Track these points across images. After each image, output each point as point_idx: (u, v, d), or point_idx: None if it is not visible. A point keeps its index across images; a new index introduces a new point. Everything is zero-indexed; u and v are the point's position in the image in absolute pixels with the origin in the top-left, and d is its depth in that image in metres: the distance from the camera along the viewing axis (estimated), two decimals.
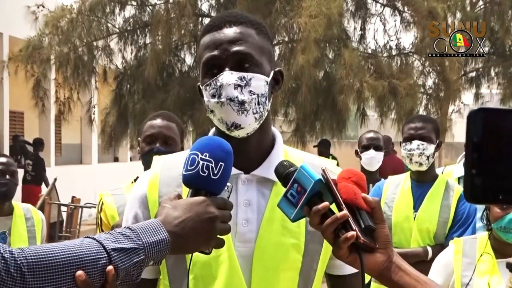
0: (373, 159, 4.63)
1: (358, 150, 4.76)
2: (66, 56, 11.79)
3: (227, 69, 1.58)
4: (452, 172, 4.41)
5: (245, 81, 1.57)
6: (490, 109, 0.87)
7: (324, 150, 11.34)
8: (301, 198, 1.41)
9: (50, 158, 14.99)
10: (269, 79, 1.62)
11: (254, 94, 1.58)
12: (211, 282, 1.59)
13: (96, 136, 17.07)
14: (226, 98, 1.56)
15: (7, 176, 3.90)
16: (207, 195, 1.41)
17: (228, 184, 1.45)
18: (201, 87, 1.64)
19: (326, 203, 1.40)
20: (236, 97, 1.56)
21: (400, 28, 12.60)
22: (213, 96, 1.58)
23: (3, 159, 4.02)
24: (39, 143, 13.41)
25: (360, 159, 4.67)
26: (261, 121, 1.61)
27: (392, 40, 12.76)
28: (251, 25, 1.64)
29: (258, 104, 1.59)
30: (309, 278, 1.64)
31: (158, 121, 3.00)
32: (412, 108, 11.58)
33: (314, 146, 11.65)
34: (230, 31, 1.61)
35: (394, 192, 3.79)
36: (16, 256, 1.18)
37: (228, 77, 1.57)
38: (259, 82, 1.59)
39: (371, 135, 4.87)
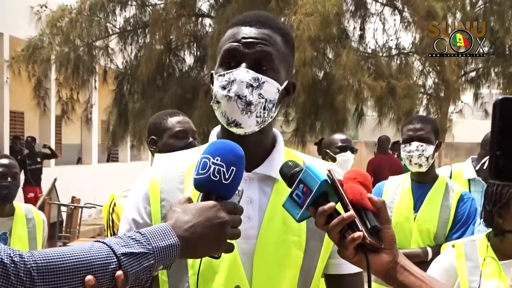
0: (349, 161, 4.58)
1: (328, 151, 4.65)
2: (66, 56, 11.79)
3: (244, 65, 1.58)
4: (462, 173, 4.36)
5: (258, 83, 1.57)
6: None
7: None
8: (307, 199, 1.41)
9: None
10: (281, 88, 1.62)
11: (262, 98, 1.58)
12: (212, 278, 1.59)
13: (96, 136, 17.08)
14: (235, 94, 1.56)
15: (9, 179, 3.87)
16: (218, 199, 1.40)
17: (239, 188, 1.45)
18: (213, 75, 1.64)
19: (332, 204, 1.41)
20: (245, 96, 1.56)
21: (400, 27, 12.61)
22: (223, 88, 1.58)
23: (5, 161, 3.97)
24: (28, 142, 13.45)
25: (329, 160, 4.53)
26: (263, 126, 1.62)
27: (391, 40, 12.78)
28: (279, 31, 1.65)
29: (264, 109, 1.59)
30: (309, 275, 1.65)
31: (182, 117, 3.13)
32: (411, 108, 11.58)
33: (315, 144, 11.55)
34: (258, 30, 1.61)
35: (395, 192, 3.78)
36: (26, 259, 1.18)
37: (243, 74, 1.57)
38: (271, 88, 1.59)
39: (344, 137, 4.80)
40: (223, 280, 1.59)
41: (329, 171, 1.44)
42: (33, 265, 1.17)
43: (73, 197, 11.94)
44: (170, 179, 1.65)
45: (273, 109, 1.61)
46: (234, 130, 1.60)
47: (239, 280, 1.59)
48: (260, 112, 1.58)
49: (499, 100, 0.99)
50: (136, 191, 1.69)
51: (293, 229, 1.61)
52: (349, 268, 1.58)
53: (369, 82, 10.96)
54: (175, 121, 3.09)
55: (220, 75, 1.59)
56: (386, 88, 11.16)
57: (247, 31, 1.61)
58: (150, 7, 12.36)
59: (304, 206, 1.42)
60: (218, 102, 1.59)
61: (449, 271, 2.74)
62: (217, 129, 1.72)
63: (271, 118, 1.62)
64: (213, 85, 1.65)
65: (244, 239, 1.58)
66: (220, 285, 1.59)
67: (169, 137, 3.06)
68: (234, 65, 1.59)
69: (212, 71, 1.67)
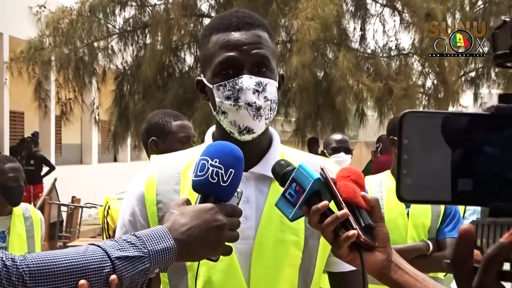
0: (343, 162, 4.61)
1: (325, 151, 4.71)
2: (66, 57, 11.78)
3: (245, 72, 1.57)
4: None
5: (262, 87, 1.57)
6: (419, 112, 0.90)
7: (314, 147, 11.25)
8: (300, 198, 1.41)
9: (50, 158, 14.96)
10: (277, 84, 1.63)
11: (268, 100, 1.59)
12: (210, 279, 1.59)
13: (96, 136, 17.07)
14: (244, 103, 1.56)
15: (21, 183, 3.93)
16: (216, 202, 1.39)
17: (238, 190, 1.43)
18: (207, 84, 1.62)
19: (326, 202, 1.40)
20: (255, 102, 1.56)
21: (400, 28, 12.60)
22: (228, 98, 1.57)
23: (15, 165, 3.99)
24: (28, 143, 13.43)
25: None
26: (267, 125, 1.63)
27: (391, 41, 12.76)
28: (265, 28, 1.64)
29: (270, 110, 1.60)
30: (309, 274, 1.65)
31: (186, 122, 3.14)
32: (411, 108, 11.56)
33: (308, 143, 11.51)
34: (249, 34, 1.59)
35: (380, 190, 3.75)
36: (18, 263, 1.17)
37: (248, 81, 1.56)
38: (272, 88, 1.60)
39: (340, 137, 4.86)
40: (220, 281, 1.59)
41: (322, 169, 1.43)
42: (25, 269, 1.16)
43: (73, 197, 11.94)
44: (166, 180, 1.64)
45: (276, 107, 1.63)
46: (246, 137, 1.59)
47: (236, 280, 1.59)
48: (268, 113, 1.59)
49: (403, 114, 0.89)
50: (132, 193, 1.68)
51: (291, 228, 1.60)
52: (349, 265, 1.58)
53: (368, 83, 10.97)
54: (180, 125, 3.08)
55: (221, 85, 1.58)
56: (384, 89, 11.16)
57: (239, 37, 1.59)
58: (149, 7, 12.35)
59: (297, 205, 1.41)
60: (224, 112, 1.59)
61: None
62: (212, 130, 1.71)
63: (273, 116, 1.64)
64: (202, 92, 1.64)
65: (241, 240, 1.57)
66: (218, 286, 1.59)
67: (172, 141, 3.04)
68: (233, 73, 1.57)
69: (199, 78, 1.65)
